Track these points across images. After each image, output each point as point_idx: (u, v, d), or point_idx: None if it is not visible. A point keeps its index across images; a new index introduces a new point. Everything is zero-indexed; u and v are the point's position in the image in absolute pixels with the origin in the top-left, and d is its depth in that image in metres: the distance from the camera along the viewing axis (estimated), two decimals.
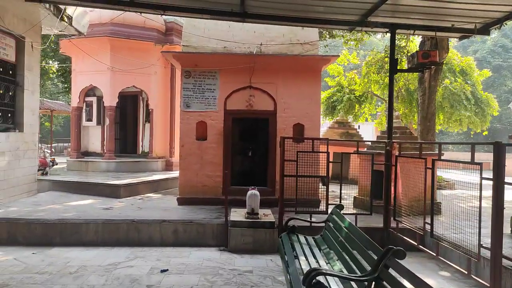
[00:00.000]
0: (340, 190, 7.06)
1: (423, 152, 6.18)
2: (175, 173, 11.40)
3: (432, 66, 7.27)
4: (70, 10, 8.39)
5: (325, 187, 7.00)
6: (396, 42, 19.27)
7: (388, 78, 7.85)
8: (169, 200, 9.04)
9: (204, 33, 8.56)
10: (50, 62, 22.20)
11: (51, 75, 23.51)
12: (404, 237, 6.35)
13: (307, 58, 8.50)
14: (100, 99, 13.09)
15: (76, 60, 12.95)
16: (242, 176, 9.43)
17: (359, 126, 25.65)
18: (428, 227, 5.60)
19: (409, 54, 8.80)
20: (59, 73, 22.80)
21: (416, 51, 6.71)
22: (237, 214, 7.11)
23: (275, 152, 8.69)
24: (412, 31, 7.20)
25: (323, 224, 6.01)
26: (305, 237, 5.73)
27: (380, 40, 37.08)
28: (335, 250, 4.84)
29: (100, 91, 12.81)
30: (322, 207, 8.04)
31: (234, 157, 9.17)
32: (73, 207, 7.99)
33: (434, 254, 5.59)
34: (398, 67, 7.26)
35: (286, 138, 6.98)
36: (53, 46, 18.53)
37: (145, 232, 6.81)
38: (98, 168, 12.18)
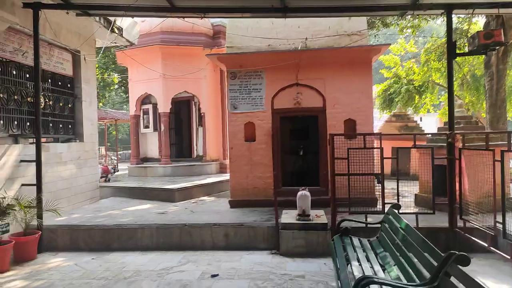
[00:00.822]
0: (397, 187, 6.58)
1: (491, 143, 5.53)
2: (228, 176, 11.42)
3: (497, 48, 6.48)
4: (120, 22, 8.71)
5: (380, 185, 6.55)
6: (457, 25, 17.88)
7: None
8: (222, 203, 9.05)
9: (247, 32, 8.45)
10: (112, 74, 23.52)
11: (113, 87, 24.88)
12: (473, 238, 5.73)
13: (355, 50, 8.06)
14: (155, 106, 13.54)
15: (132, 70, 13.52)
16: (293, 176, 9.20)
17: (421, 118, 24.16)
18: (500, 226, 4.98)
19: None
20: (121, 84, 24.15)
21: (477, 32, 6.05)
22: (288, 216, 6.89)
23: (326, 150, 8.34)
24: (471, 10, 6.51)
25: (377, 224, 5.65)
26: (359, 239, 5.38)
27: (440, 25, 34.66)
28: (392, 254, 4.46)
29: (155, 98, 13.26)
30: (379, 205, 7.58)
31: (284, 157, 8.97)
32: (130, 212, 8.27)
33: (508, 257, 4.96)
34: (459, 52, 6.60)
35: (334, 135, 6.64)
36: (113, 58, 19.57)
37: (197, 236, 6.84)
38: (156, 173, 12.59)
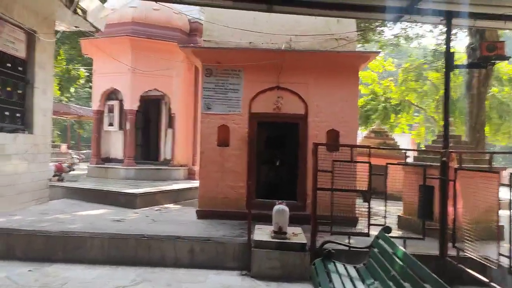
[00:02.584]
0: (385, 209, 5.96)
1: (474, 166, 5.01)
2: (197, 183, 10.53)
3: (497, 61, 6.05)
4: (84, 3, 7.75)
5: (366, 203, 5.91)
6: (435, 46, 17.94)
7: (429, 85, 6.70)
8: (188, 213, 8.16)
9: (227, 26, 7.70)
10: (78, 66, 22.14)
11: (79, 81, 23.44)
12: (468, 270, 5.15)
13: (343, 55, 7.49)
14: (122, 103, 12.48)
15: (97, 62, 12.46)
16: (268, 188, 8.47)
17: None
18: (504, 260, 4.42)
19: (468, 47, 7.62)
20: (88, 79, 22.74)
21: (480, 43, 5.63)
22: (262, 233, 6.12)
23: (306, 161, 7.68)
24: (472, 21, 6.06)
25: (365, 249, 5.00)
26: (344, 265, 4.69)
27: (416, 48, 35.19)
28: None
29: (121, 94, 12.22)
30: (360, 226, 6.97)
31: (259, 166, 8.25)
32: (82, 217, 7.25)
33: None
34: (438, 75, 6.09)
35: (319, 145, 5.98)
36: (80, 49, 18.27)
37: (157, 250, 5.94)
38: (117, 175, 11.51)
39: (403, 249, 4.04)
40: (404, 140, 26.10)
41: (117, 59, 11.37)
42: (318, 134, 7.65)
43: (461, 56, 19.53)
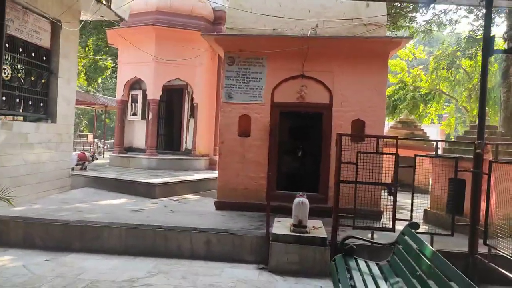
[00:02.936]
0: (412, 203, 5.61)
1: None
2: (217, 173, 10.45)
3: None
4: None
5: (391, 197, 5.58)
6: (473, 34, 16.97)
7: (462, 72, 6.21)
8: (207, 203, 8.04)
9: (251, 13, 7.44)
10: (106, 57, 22.39)
11: (107, 72, 23.72)
12: (499, 268, 4.77)
13: (372, 41, 7.10)
14: (145, 93, 12.47)
15: (122, 51, 12.46)
16: (289, 179, 8.22)
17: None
18: None
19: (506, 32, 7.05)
20: (114, 69, 23.00)
21: None
22: (281, 226, 5.91)
23: (330, 152, 7.38)
24: None
25: (388, 245, 4.70)
26: (366, 262, 4.41)
27: (448, 35, 33.75)
28: None
29: (145, 84, 12.20)
30: (384, 220, 6.65)
31: (281, 157, 7.99)
32: (101, 207, 7.25)
33: None
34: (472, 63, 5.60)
35: (344, 135, 5.67)
36: (107, 40, 18.45)
37: (174, 241, 5.83)
38: (139, 165, 11.55)
39: (431, 247, 3.73)
40: (433, 131, 25.20)
41: (141, 48, 11.33)
42: (343, 124, 7.32)
43: (498, 43, 18.53)
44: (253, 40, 7.38)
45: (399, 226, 5.71)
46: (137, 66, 11.90)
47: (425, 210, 7.40)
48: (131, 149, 13.12)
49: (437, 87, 18.87)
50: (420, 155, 5.70)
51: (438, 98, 19.13)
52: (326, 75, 7.41)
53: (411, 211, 5.58)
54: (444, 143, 9.79)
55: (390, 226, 5.58)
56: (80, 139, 29.01)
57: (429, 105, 19.46)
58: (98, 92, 26.04)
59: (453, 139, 13.01)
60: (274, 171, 7.50)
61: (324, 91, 7.46)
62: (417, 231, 5.31)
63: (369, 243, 5.20)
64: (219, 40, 7.58)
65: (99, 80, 22.76)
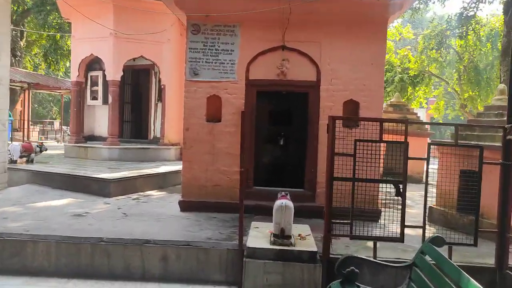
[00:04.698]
0: (425, 204, 4.42)
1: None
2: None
3: None
4: None
5: (399, 198, 4.36)
6: (464, 12, 15.87)
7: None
8: (172, 202, 6.71)
9: None
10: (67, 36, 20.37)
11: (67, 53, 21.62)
12: None
13: (368, 3, 5.78)
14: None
15: (76, 25, 10.82)
16: (270, 173, 6.96)
17: None
18: None
19: None
20: None
21: None
22: (259, 235, 4.64)
23: (317, 140, 6.13)
24: None
25: (398, 263, 3.54)
26: None
27: (433, 16, 32.95)
28: None
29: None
30: (383, 220, 5.50)
31: (259, 147, 6.71)
32: (36, 210, 5.82)
33: None
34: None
35: (337, 119, 4.39)
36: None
37: (119, 258, 4.50)
38: (99, 156, 10.08)
39: (470, 278, 2.54)
40: (421, 115, 24.38)
41: (97, 21, 9.75)
42: (333, 106, 6.06)
43: (491, 20, 17.54)
44: (222, 1, 5.99)
45: (409, 232, 4.59)
46: (93, 42, 10.32)
47: (430, 208, 6.25)
48: (92, 138, 11.60)
49: (426, 69, 17.81)
50: (434, 143, 4.48)
51: (427, 80, 18.08)
52: (312, 46, 6.09)
53: (424, 215, 4.38)
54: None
55: (396, 233, 4.36)
56: (50, 127, 27.14)
57: (417, 88, 18.42)
58: (67, 76, 24.00)
59: (441, 122, 11.95)
60: (250, 163, 6.22)
61: (310, 66, 6.16)
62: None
63: (375, 261, 4.00)
64: (180, 3, 6.13)
65: (68, 63, 20.58)
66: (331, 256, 4.29)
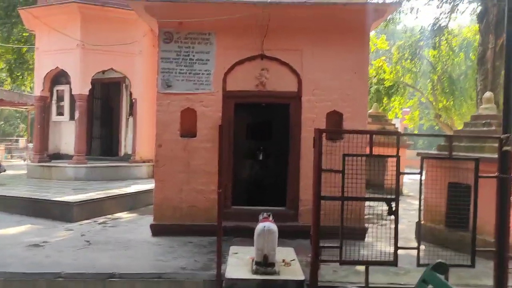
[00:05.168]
0: (419, 222, 4.07)
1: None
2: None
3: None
4: None
5: (390, 217, 3.98)
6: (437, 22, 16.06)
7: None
8: (143, 226, 6.12)
9: None
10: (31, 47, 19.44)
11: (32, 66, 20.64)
12: None
13: (350, 9, 5.48)
14: None
15: (41, 36, 10.15)
16: (249, 190, 6.53)
17: None
18: None
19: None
20: None
21: None
22: (239, 262, 4.16)
23: (299, 155, 5.75)
24: None
25: None
26: None
27: (405, 29, 33.59)
28: None
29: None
30: (370, 238, 5.18)
31: (237, 163, 6.27)
32: None
33: None
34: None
35: (323, 132, 4.01)
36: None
37: None
38: (64, 176, 9.35)
39: None
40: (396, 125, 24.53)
41: (63, 32, 9.18)
42: (316, 118, 5.69)
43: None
44: (196, 8, 5.59)
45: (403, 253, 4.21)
46: (59, 55, 9.68)
47: (417, 224, 5.92)
48: (58, 156, 10.86)
49: (401, 79, 17.91)
50: (427, 156, 4.15)
51: (402, 90, 18.16)
52: (293, 54, 5.74)
53: (418, 234, 4.03)
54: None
55: (389, 255, 3.96)
56: (14, 144, 25.81)
57: (392, 98, 18.46)
58: (27, 90, 22.89)
59: (428, 133, 11.85)
60: (228, 181, 5.75)
61: (291, 76, 5.80)
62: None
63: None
64: (150, 9, 5.67)
65: (26, 75, 19.50)
66: (319, 285, 3.85)
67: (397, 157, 3.90)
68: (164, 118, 5.72)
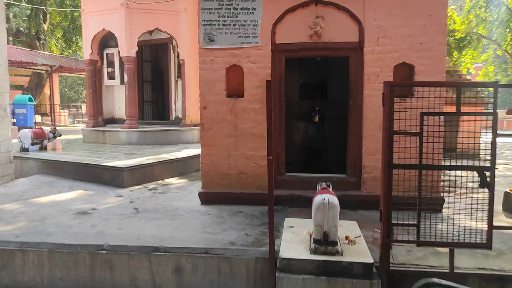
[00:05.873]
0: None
1: None
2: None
3: None
4: None
5: (485, 189, 3.22)
6: None
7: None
8: (193, 192, 5.84)
9: None
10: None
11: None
12: None
13: None
14: None
15: None
16: (304, 156, 5.94)
17: None
18: None
19: None
20: None
21: None
22: (295, 238, 3.67)
23: (361, 115, 5.01)
24: None
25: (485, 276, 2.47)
26: None
27: None
28: None
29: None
30: (447, 210, 4.45)
31: (290, 126, 5.68)
32: (37, 207, 5.09)
33: None
34: None
35: (396, 85, 3.28)
36: None
37: (123, 270, 3.67)
38: (118, 140, 9.36)
39: None
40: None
41: None
42: (381, 72, 4.88)
43: None
44: None
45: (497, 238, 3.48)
46: (104, 16, 9.45)
47: (506, 194, 5.06)
48: (113, 121, 10.95)
49: (474, 30, 15.87)
50: None
51: (475, 43, 16.12)
52: None
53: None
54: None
55: (482, 236, 3.25)
56: (79, 110, 27.01)
57: (463, 52, 16.50)
58: (78, 55, 23.45)
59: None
60: (281, 146, 5.20)
61: (351, 23, 4.97)
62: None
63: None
64: None
65: (79, 41, 19.72)
66: (391, 268, 3.27)
67: (494, 114, 3.08)
68: (208, 77, 5.20)
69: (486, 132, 3.18)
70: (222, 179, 5.24)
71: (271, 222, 3.45)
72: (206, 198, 5.27)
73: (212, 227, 4.30)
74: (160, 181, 6.77)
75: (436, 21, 4.80)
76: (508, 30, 15.33)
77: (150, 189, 6.20)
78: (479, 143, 3.34)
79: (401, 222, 3.27)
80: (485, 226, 3.16)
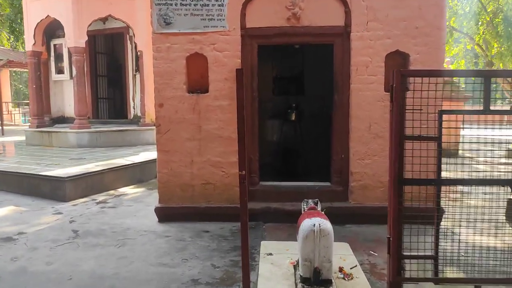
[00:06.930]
0: None
1: None
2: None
3: None
4: None
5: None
6: None
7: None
8: (150, 206, 4.89)
9: None
10: None
11: None
12: None
13: None
14: None
15: None
16: (279, 159, 5.14)
17: None
18: None
19: None
20: None
21: None
22: (275, 271, 2.86)
23: (348, 113, 4.26)
24: None
25: None
26: None
27: None
28: None
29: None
30: (446, 223, 3.73)
31: (263, 125, 4.85)
32: None
33: None
34: None
35: (409, 74, 2.52)
36: None
37: None
38: (66, 142, 8.23)
39: None
40: None
41: None
42: (371, 61, 4.15)
43: None
44: None
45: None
46: (49, 1, 8.23)
47: (509, 201, 4.46)
48: (62, 120, 9.78)
49: (447, 23, 15.63)
50: None
51: (447, 36, 15.91)
52: None
53: None
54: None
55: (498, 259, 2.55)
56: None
57: None
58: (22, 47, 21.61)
59: None
60: (253, 150, 4.37)
61: (335, 3, 4.20)
62: None
63: None
64: None
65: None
66: None
67: None
68: (164, 68, 4.28)
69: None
70: (184, 191, 4.35)
71: (247, 259, 2.60)
72: (165, 215, 4.36)
73: (170, 256, 3.41)
74: (112, 192, 5.78)
75: (434, 1, 4.10)
76: (480, 23, 15.20)
77: (98, 203, 5.20)
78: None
79: (414, 254, 2.51)
80: None
